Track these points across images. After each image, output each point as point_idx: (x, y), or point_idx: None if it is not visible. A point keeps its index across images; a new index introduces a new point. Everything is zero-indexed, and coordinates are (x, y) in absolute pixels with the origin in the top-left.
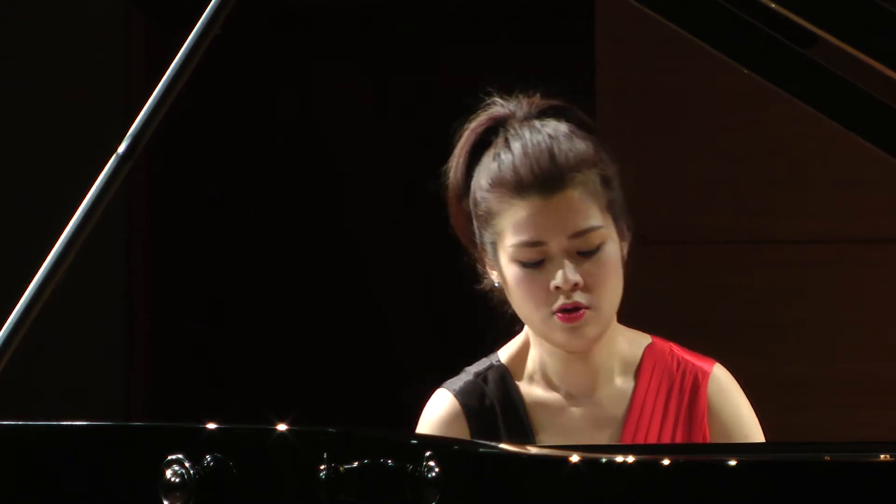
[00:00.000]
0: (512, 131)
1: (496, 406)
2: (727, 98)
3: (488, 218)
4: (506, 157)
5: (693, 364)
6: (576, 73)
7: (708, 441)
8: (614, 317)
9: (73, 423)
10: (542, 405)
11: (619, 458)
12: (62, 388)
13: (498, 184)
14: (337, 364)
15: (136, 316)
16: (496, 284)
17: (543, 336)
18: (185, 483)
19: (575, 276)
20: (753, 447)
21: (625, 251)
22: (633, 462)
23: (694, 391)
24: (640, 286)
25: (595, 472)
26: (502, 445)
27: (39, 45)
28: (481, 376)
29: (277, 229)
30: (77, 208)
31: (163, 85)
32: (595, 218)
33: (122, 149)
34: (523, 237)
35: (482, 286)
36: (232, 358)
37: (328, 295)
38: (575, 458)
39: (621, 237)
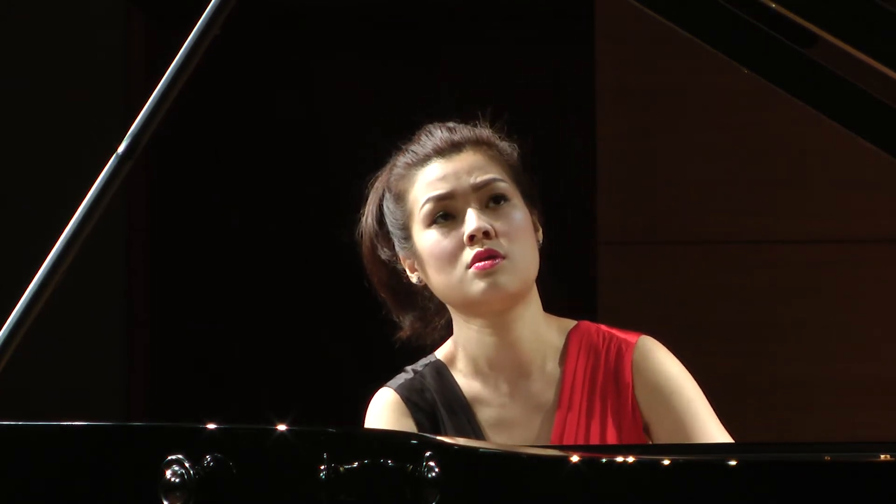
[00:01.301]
0: (398, 149)
1: (436, 398)
2: (727, 98)
3: (398, 203)
4: (403, 146)
5: (618, 337)
6: (576, 73)
7: (637, 413)
8: (531, 283)
9: (73, 423)
10: (478, 396)
11: (619, 458)
12: (62, 388)
13: (401, 167)
14: (337, 364)
15: (136, 316)
16: (418, 281)
17: (463, 300)
18: (185, 483)
19: (483, 223)
20: (753, 447)
21: (539, 234)
22: (633, 462)
23: (619, 360)
24: (640, 286)
25: (595, 472)
26: (502, 445)
27: (39, 45)
28: (419, 373)
29: (277, 229)
30: (77, 208)
31: (163, 85)
32: (498, 174)
33: (122, 149)
34: (430, 193)
35: (403, 331)
36: (232, 358)
37: (328, 295)
38: (575, 458)
39: (531, 210)
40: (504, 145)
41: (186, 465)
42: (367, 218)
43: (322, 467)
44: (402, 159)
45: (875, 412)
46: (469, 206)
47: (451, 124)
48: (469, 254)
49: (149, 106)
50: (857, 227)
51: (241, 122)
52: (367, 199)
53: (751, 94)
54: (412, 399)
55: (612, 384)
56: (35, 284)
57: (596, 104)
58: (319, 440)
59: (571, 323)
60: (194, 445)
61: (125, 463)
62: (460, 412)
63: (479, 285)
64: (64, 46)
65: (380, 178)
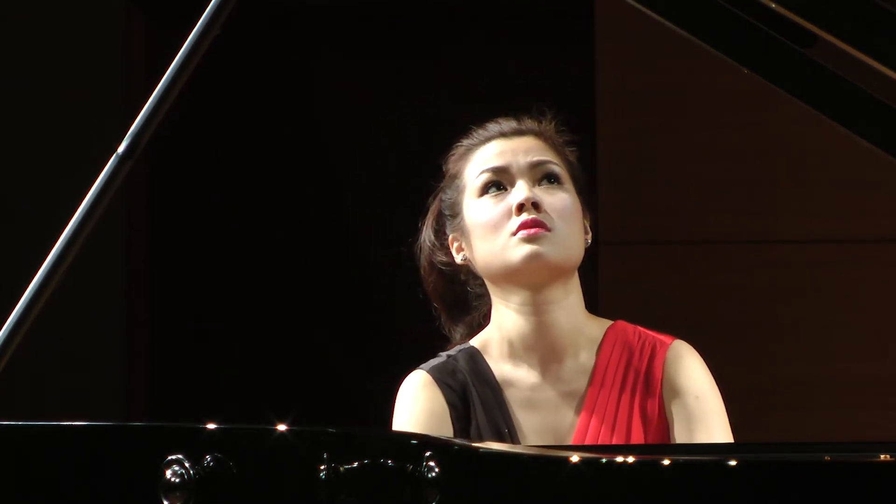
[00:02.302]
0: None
1: (468, 379)
2: (727, 98)
3: (453, 181)
4: (471, 134)
5: (654, 337)
6: (576, 73)
7: (663, 411)
8: (572, 265)
9: (73, 423)
10: (509, 378)
11: (619, 458)
12: (62, 388)
13: (461, 151)
14: (337, 364)
15: (136, 316)
16: (462, 259)
17: (504, 267)
18: (185, 483)
19: (533, 194)
20: (753, 447)
21: (588, 236)
22: (633, 462)
23: (652, 358)
24: (640, 286)
25: (595, 472)
26: (502, 445)
27: (39, 45)
28: (452, 356)
29: (277, 229)
30: (77, 208)
31: (163, 85)
32: (554, 159)
33: (122, 149)
34: (486, 165)
35: (451, 344)
36: (232, 358)
37: (328, 295)
38: (575, 458)
39: (583, 208)
40: (565, 144)
41: (186, 465)
42: (427, 228)
43: (322, 467)
44: (463, 142)
45: (875, 412)
46: (520, 180)
47: (518, 117)
48: (515, 222)
49: (149, 106)
50: (857, 227)
51: (240, 122)
52: (427, 210)
53: (751, 94)
54: (444, 380)
55: (643, 381)
56: (35, 284)
57: (596, 104)
58: (319, 440)
59: (610, 321)
60: (194, 445)
61: (125, 463)
62: (490, 394)
63: (521, 251)
64: (64, 46)
65: (440, 188)
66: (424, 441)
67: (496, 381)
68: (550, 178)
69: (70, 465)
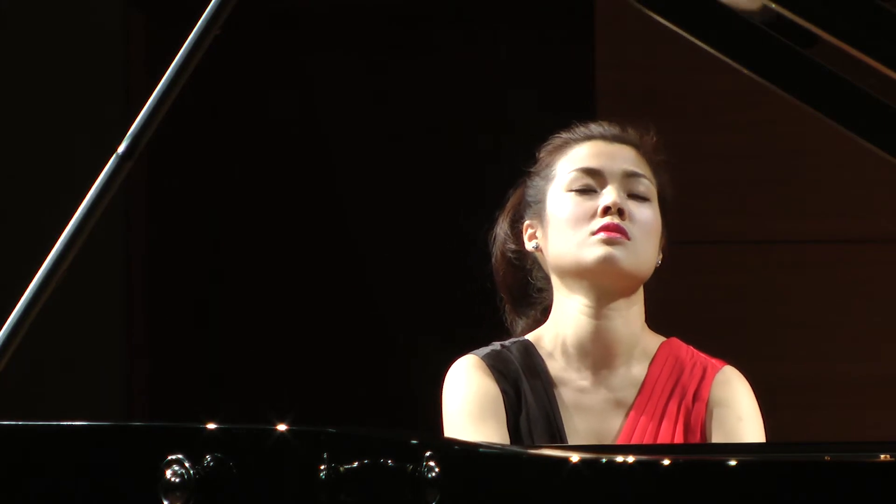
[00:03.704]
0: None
1: (521, 370)
2: (727, 98)
3: (542, 170)
4: (571, 129)
5: (706, 358)
6: (576, 73)
7: (705, 428)
8: (641, 279)
9: (73, 423)
10: (561, 377)
11: (619, 459)
12: (62, 387)
13: (560, 142)
14: (337, 364)
15: (136, 316)
16: (534, 247)
17: (575, 264)
18: (185, 483)
19: (621, 201)
20: (753, 447)
21: (662, 243)
22: (633, 462)
23: (702, 378)
24: None
25: (595, 472)
26: (502, 445)
27: (39, 45)
28: (506, 346)
29: (277, 229)
30: (77, 208)
31: (163, 85)
32: (647, 174)
33: (122, 149)
34: (582, 164)
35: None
36: (232, 358)
37: (328, 294)
38: (575, 458)
39: (663, 223)
40: (661, 166)
41: (186, 465)
42: (504, 218)
43: (322, 467)
44: (562, 134)
45: (875, 412)
46: (611, 185)
47: (622, 124)
48: (598, 223)
49: (149, 106)
50: (857, 227)
51: (240, 122)
52: (506, 200)
53: (751, 94)
54: (497, 367)
55: (690, 399)
56: (35, 284)
57: (596, 104)
58: (319, 440)
59: (664, 337)
60: (194, 445)
61: (125, 463)
62: (541, 388)
63: (596, 251)
64: (64, 46)
65: (522, 181)
66: (424, 441)
67: (549, 377)
68: (640, 192)
69: (70, 465)
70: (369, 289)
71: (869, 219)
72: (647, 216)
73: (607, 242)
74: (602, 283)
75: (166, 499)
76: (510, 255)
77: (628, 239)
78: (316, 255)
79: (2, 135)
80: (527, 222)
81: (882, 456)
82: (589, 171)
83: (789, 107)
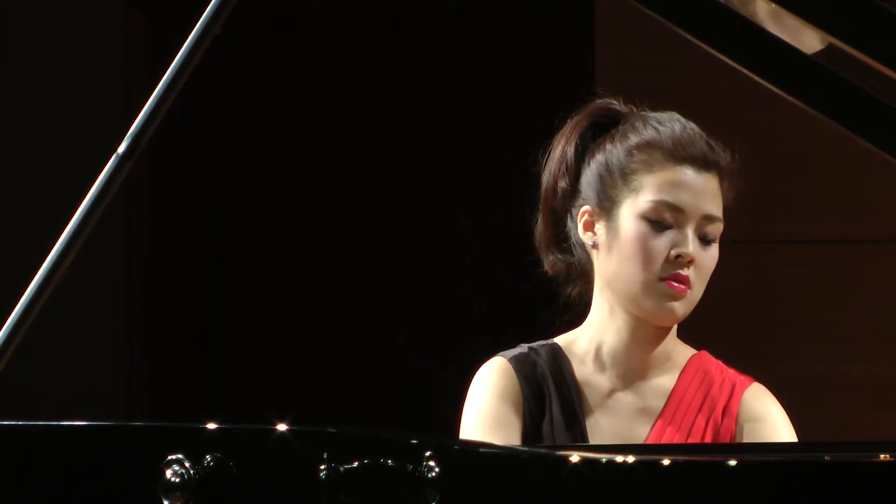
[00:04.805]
0: (643, 118)
1: (547, 375)
2: (727, 98)
3: (623, 175)
4: (661, 127)
5: (734, 374)
6: (576, 73)
7: (734, 440)
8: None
9: (73, 423)
10: (590, 384)
11: (619, 458)
12: (62, 388)
13: (650, 146)
14: (337, 364)
15: (136, 316)
16: (590, 243)
17: (633, 299)
18: (185, 483)
19: (696, 252)
20: (752, 447)
21: None
22: (633, 462)
23: (732, 394)
24: None
25: (595, 472)
26: (502, 445)
27: (39, 45)
28: (534, 349)
29: (277, 228)
30: (77, 208)
31: (163, 85)
32: (721, 212)
33: (122, 149)
34: (667, 197)
35: (546, 268)
36: (231, 358)
37: (328, 294)
38: (575, 458)
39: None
40: (732, 183)
41: (186, 465)
42: (566, 145)
43: (322, 467)
44: (659, 129)
45: (875, 412)
46: (688, 228)
47: (706, 137)
48: (668, 268)
49: (149, 106)
50: (857, 227)
51: (241, 122)
52: (566, 132)
53: (751, 94)
54: (523, 371)
55: (720, 414)
56: (35, 284)
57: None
58: (319, 440)
59: (695, 350)
60: (194, 445)
61: (125, 463)
62: (567, 393)
63: (660, 301)
64: (64, 46)
65: (585, 112)
66: (424, 441)
67: (576, 382)
68: (711, 234)
69: (70, 465)
70: (369, 289)
71: (869, 219)
72: (712, 259)
73: (672, 297)
74: (653, 322)
75: (166, 499)
76: (559, 190)
77: (689, 288)
78: (316, 255)
79: (2, 135)
80: (586, 208)
81: (882, 456)
82: (672, 208)
83: (789, 107)
